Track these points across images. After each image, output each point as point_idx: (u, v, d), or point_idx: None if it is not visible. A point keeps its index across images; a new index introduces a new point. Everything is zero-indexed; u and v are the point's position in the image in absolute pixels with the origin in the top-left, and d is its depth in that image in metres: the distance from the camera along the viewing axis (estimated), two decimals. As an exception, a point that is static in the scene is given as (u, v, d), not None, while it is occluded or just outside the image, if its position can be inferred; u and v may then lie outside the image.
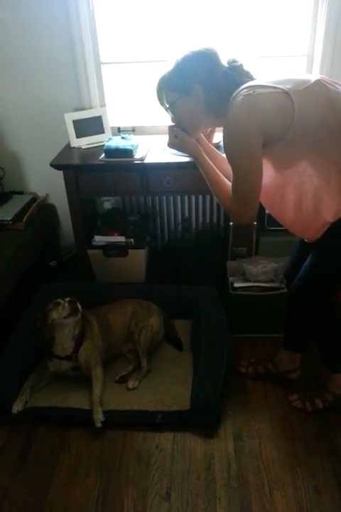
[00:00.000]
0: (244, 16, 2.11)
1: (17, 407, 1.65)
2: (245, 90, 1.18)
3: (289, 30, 2.13)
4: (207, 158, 1.38)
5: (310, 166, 1.21)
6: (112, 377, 1.81)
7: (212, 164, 1.38)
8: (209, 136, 1.87)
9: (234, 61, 1.27)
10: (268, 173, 1.27)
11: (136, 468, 1.52)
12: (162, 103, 1.35)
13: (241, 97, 1.17)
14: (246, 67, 1.28)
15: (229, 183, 1.32)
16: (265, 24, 2.12)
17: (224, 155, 1.45)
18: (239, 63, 1.27)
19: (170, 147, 1.44)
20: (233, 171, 1.25)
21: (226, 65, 1.27)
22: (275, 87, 1.17)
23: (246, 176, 1.23)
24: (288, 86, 1.17)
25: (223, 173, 1.37)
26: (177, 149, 1.44)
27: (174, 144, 1.40)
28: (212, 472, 1.49)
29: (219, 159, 1.46)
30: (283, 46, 2.17)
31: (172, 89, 1.30)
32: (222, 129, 1.25)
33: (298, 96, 1.15)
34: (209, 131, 1.56)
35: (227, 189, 1.32)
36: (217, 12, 2.11)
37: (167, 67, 1.30)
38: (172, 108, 1.33)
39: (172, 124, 1.39)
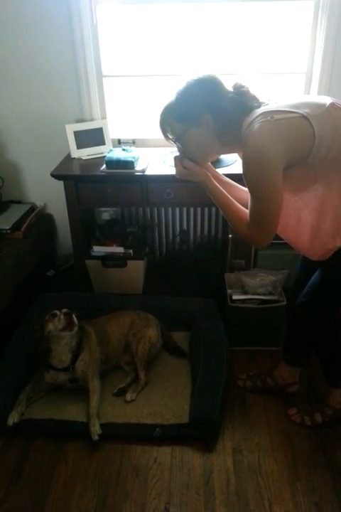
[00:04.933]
0: (244, 33, 2.15)
1: (13, 419, 1.62)
2: (261, 117, 1.15)
3: (288, 47, 2.18)
4: (218, 185, 1.34)
5: (329, 187, 1.21)
6: (110, 389, 1.79)
7: (223, 190, 1.34)
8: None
9: (241, 86, 1.24)
10: (284, 196, 1.23)
11: (134, 482, 1.50)
12: (166, 135, 1.30)
13: (258, 124, 1.14)
14: (252, 91, 1.25)
15: (244, 209, 1.29)
16: (264, 41, 2.17)
17: (229, 180, 1.45)
18: (245, 88, 1.24)
19: (178, 177, 1.36)
20: (253, 197, 1.21)
21: (232, 90, 1.24)
22: (293, 112, 1.14)
23: (266, 202, 1.19)
24: (306, 110, 1.14)
25: (233, 199, 1.34)
26: (186, 179, 1.35)
27: (182, 174, 1.33)
28: (211, 487, 1.47)
29: (227, 184, 1.44)
30: (282, 63, 2.21)
31: (179, 121, 1.25)
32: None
33: (317, 120, 1.14)
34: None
35: (243, 215, 1.29)
36: (217, 29, 2.15)
37: (169, 98, 1.27)
38: (179, 140, 1.29)
39: (178, 154, 1.35)
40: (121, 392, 1.78)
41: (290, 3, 2.10)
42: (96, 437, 1.57)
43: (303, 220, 1.29)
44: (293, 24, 2.13)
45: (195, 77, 1.24)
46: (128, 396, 1.75)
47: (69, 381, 1.73)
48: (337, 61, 2.10)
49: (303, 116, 1.14)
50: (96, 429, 1.59)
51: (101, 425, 1.61)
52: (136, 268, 2.30)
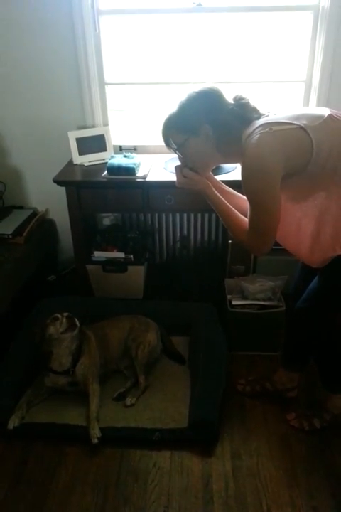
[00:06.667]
0: (244, 42, 2.18)
1: (13, 423, 1.63)
2: (260, 128, 1.18)
3: (288, 56, 2.21)
4: (218, 194, 1.37)
5: (328, 197, 1.23)
6: (110, 394, 1.80)
7: (223, 199, 1.37)
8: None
9: (241, 98, 1.27)
10: (284, 206, 1.24)
11: (133, 487, 1.50)
12: (169, 145, 1.34)
13: (257, 135, 1.17)
14: (252, 103, 1.28)
15: (243, 218, 1.32)
16: (264, 50, 2.20)
17: (230, 189, 1.47)
18: (245, 100, 1.27)
19: (178, 186, 1.39)
20: (252, 206, 1.24)
21: (233, 102, 1.28)
22: (291, 124, 1.17)
23: (265, 211, 1.22)
24: (304, 122, 1.17)
25: (233, 207, 1.37)
26: (186, 187, 1.38)
27: (183, 183, 1.37)
28: (209, 491, 1.48)
29: (228, 193, 1.46)
30: (281, 72, 2.24)
31: (180, 131, 1.29)
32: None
33: (315, 131, 1.16)
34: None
35: (242, 223, 1.32)
36: (218, 38, 2.18)
37: (171, 109, 1.31)
38: (180, 149, 1.32)
39: (179, 164, 1.38)
40: (121, 397, 1.79)
41: (290, 14, 2.14)
42: (95, 440, 1.58)
43: (303, 229, 1.30)
44: (293, 34, 2.16)
45: (197, 90, 1.28)
46: (128, 400, 1.76)
47: (69, 385, 1.74)
48: (336, 70, 2.13)
49: (301, 128, 1.17)
50: (95, 433, 1.59)
51: (101, 429, 1.61)
52: (137, 273, 2.31)
